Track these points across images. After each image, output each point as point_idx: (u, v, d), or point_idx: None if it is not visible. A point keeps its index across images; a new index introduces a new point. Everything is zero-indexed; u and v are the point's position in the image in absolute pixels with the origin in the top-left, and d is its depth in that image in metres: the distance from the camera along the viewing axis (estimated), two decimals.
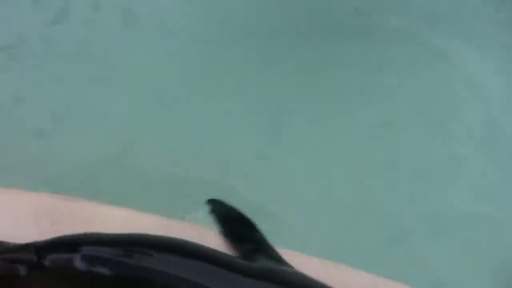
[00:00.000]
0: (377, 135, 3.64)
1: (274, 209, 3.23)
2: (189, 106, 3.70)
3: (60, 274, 2.15)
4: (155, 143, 3.57)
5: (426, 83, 3.94)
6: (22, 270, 2.18)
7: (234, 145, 3.57)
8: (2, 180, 2.65)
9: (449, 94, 3.89)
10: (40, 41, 3.91)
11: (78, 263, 2.09)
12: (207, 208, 2.43)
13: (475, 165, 3.58)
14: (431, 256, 3.13)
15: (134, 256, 2.08)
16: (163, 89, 3.79)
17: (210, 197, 2.46)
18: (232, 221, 2.44)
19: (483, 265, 3.14)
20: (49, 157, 3.43)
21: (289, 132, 3.65)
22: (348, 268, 2.32)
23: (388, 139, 3.62)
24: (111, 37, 3.95)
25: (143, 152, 3.53)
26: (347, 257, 2.30)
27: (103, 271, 2.06)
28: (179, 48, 3.94)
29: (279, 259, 2.23)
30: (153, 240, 2.17)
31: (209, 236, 2.31)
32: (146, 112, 3.71)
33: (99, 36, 3.94)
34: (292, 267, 2.20)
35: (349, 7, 4.13)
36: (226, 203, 2.51)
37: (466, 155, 3.60)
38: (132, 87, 3.79)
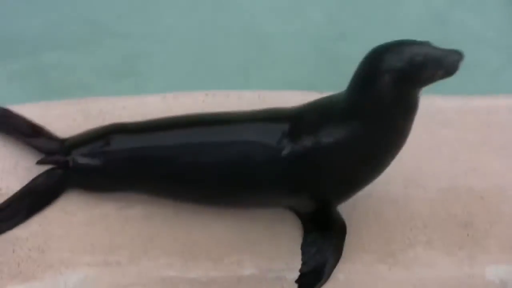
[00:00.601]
0: None
1: None
2: None
3: (91, 168, 2.33)
4: None
5: None
6: (56, 173, 2.39)
7: None
8: None
9: None
10: None
11: (108, 154, 2.30)
12: None
13: None
14: None
15: (155, 139, 2.31)
16: None
17: None
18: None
19: None
20: None
21: None
22: None
23: None
24: None
25: None
26: None
27: (133, 158, 2.28)
28: None
29: None
30: (167, 121, 2.37)
31: None
32: None
33: None
34: None
35: None
36: None
37: None
38: None
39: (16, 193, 2.35)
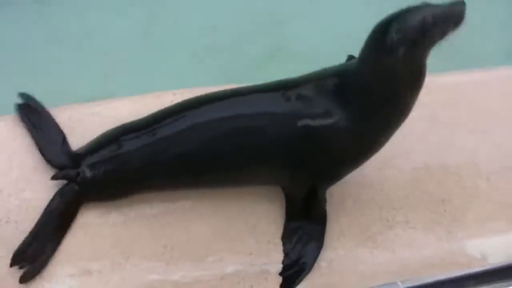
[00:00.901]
0: None
1: None
2: None
3: (106, 175, 2.28)
4: None
5: None
6: (69, 189, 2.31)
7: None
8: None
9: None
10: None
11: (123, 156, 2.25)
12: None
13: None
14: None
15: (169, 127, 2.25)
16: None
17: None
18: None
19: None
20: None
21: None
22: None
23: None
24: None
25: None
26: None
27: (151, 152, 2.23)
28: None
29: None
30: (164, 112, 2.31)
31: None
32: None
33: None
34: None
35: None
36: None
37: None
38: None
39: (36, 225, 2.25)
